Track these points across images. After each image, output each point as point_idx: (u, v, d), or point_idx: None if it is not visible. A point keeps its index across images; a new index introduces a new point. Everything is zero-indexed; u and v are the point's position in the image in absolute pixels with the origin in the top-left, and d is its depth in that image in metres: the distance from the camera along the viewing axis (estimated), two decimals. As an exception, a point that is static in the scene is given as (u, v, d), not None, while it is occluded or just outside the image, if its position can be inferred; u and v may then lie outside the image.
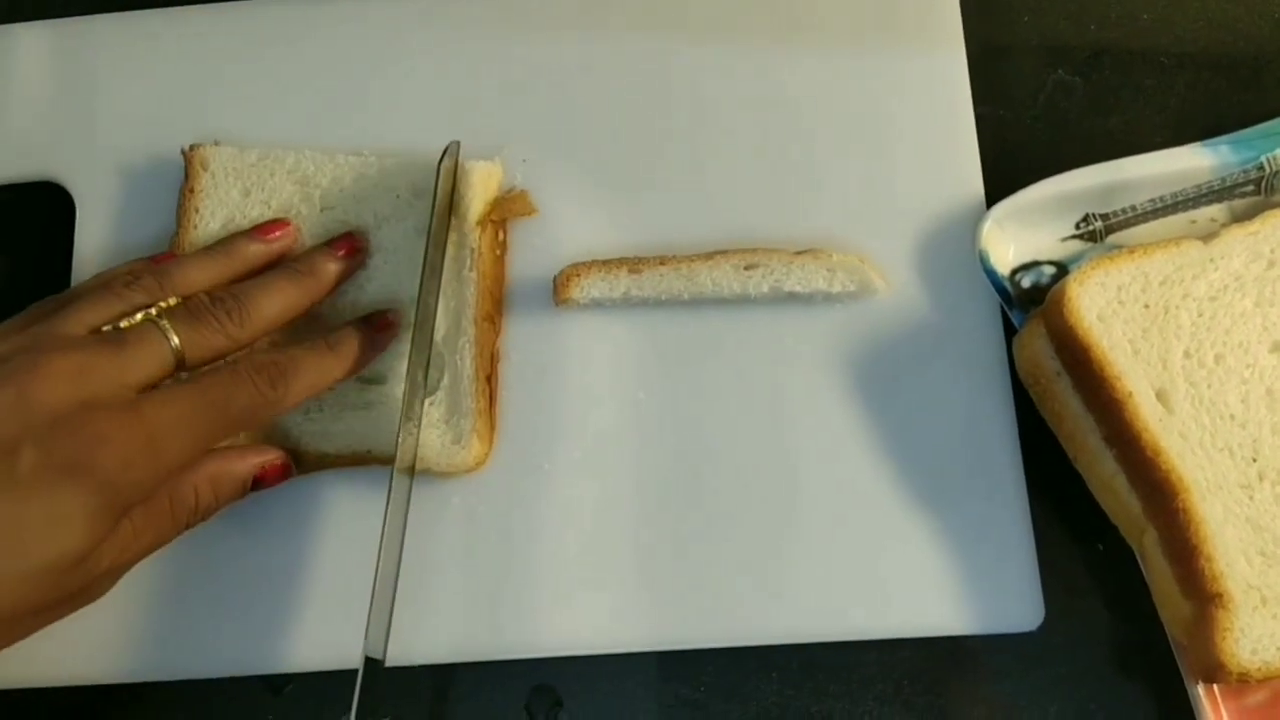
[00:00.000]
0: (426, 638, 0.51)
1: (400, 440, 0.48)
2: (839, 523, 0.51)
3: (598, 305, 0.54)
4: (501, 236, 0.55)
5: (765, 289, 0.52)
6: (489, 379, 0.53)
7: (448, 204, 0.53)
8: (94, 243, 0.56)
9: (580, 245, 0.55)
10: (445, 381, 0.52)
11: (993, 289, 0.52)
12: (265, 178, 0.54)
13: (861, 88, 0.56)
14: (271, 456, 0.50)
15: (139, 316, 0.47)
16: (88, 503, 0.42)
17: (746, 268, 0.53)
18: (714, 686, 0.52)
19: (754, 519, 0.51)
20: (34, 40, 0.59)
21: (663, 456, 0.52)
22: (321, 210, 0.54)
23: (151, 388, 0.46)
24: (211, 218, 0.54)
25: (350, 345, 0.50)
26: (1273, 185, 0.53)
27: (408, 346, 0.51)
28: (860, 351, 0.53)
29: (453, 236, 0.53)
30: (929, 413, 0.52)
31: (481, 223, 0.53)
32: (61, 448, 0.42)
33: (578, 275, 0.53)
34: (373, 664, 0.45)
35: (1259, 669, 0.44)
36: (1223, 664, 0.44)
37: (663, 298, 0.53)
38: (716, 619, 0.51)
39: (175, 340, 0.46)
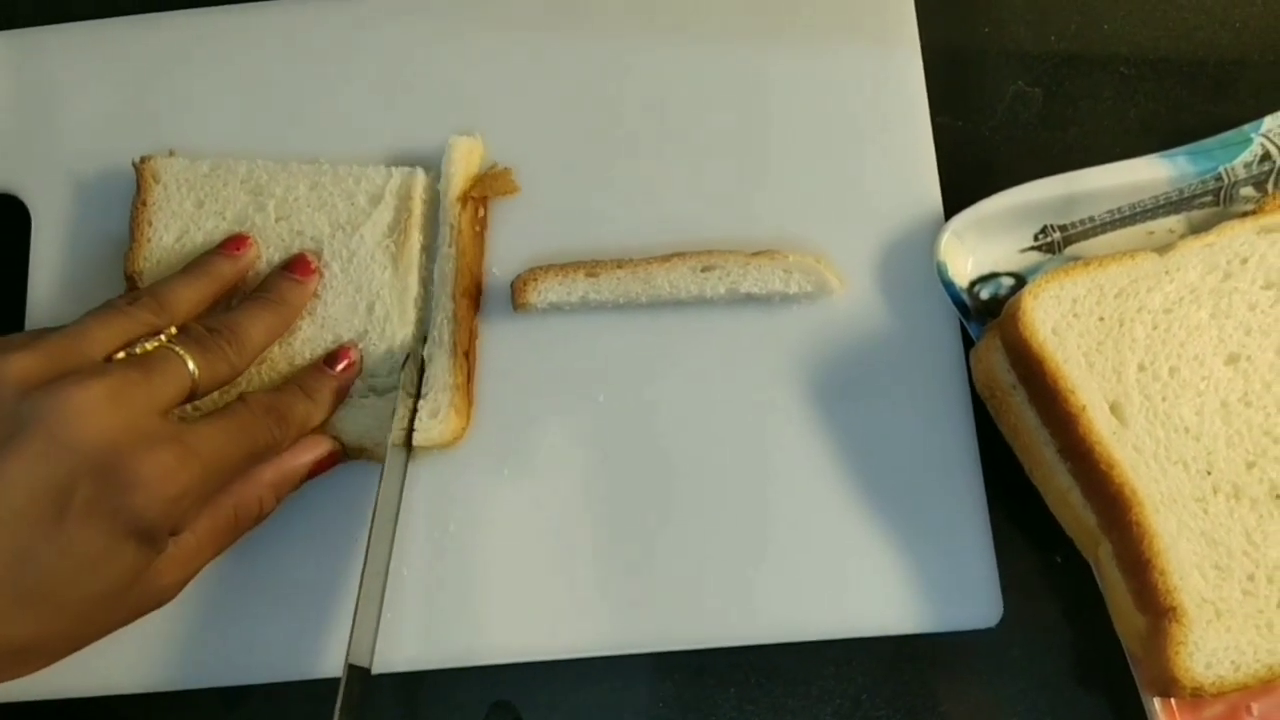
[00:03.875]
0: (383, 645, 0.50)
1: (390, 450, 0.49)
2: (798, 523, 0.51)
3: (556, 309, 0.53)
4: (482, 213, 0.55)
5: (722, 290, 0.52)
6: (467, 355, 0.53)
7: None
8: (50, 255, 0.56)
9: (537, 247, 0.55)
10: (425, 354, 0.52)
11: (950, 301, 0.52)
12: (218, 188, 0.54)
13: (819, 96, 0.56)
14: (324, 449, 0.51)
15: (151, 344, 0.47)
16: (137, 535, 0.42)
17: (703, 270, 0.53)
18: (673, 701, 0.51)
19: (713, 521, 0.51)
20: (-12, 50, 0.59)
21: (622, 459, 0.52)
22: (276, 220, 0.54)
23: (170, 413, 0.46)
24: (165, 230, 0.54)
25: (324, 390, 0.51)
26: (1231, 196, 0.53)
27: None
28: (819, 357, 0.53)
29: (433, 211, 0.54)
30: (888, 417, 0.52)
31: (463, 199, 0.53)
32: (115, 485, 0.42)
33: (535, 280, 0.53)
34: (357, 672, 0.45)
35: (1213, 684, 0.44)
36: (1176, 679, 0.44)
37: (621, 301, 0.53)
38: (675, 622, 0.50)
39: (192, 365, 0.46)
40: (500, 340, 0.54)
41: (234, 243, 0.53)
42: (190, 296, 0.50)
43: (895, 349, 0.53)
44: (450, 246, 0.53)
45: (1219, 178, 0.52)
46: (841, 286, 0.53)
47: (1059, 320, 0.47)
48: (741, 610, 0.51)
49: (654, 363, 0.53)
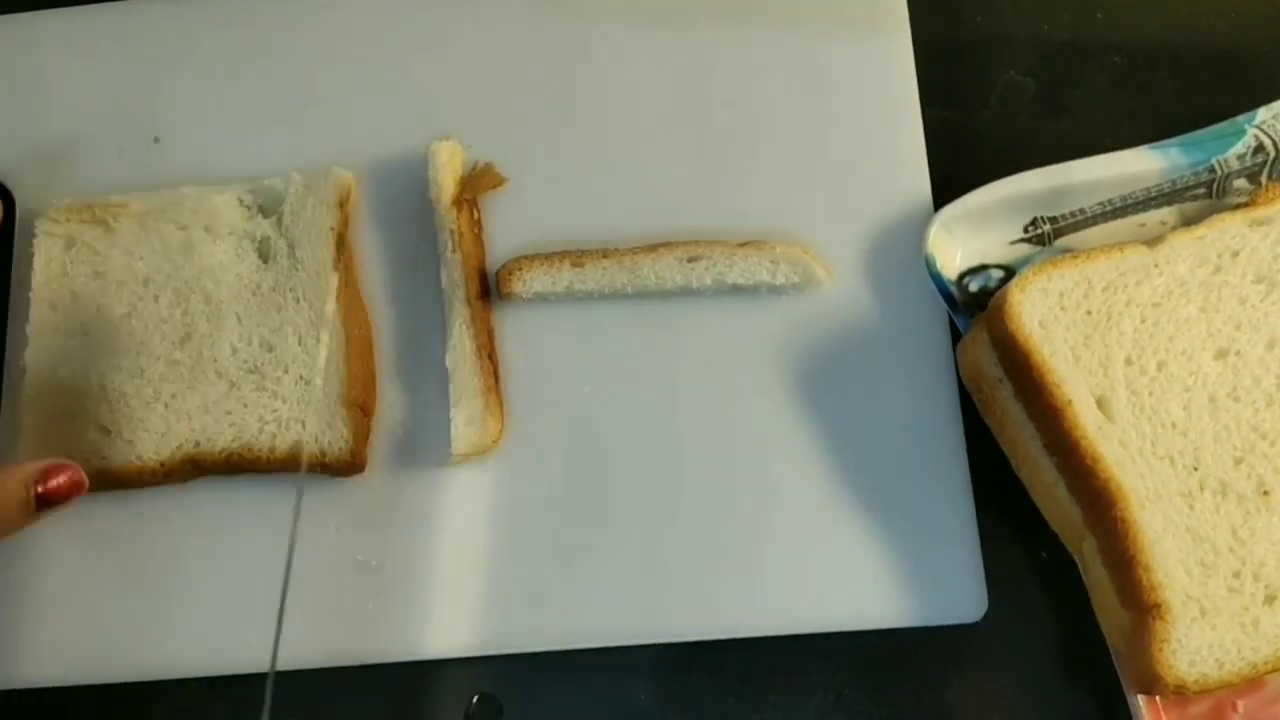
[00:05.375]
0: (366, 637, 0.51)
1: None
2: (783, 516, 0.51)
3: (541, 299, 0.53)
4: (476, 214, 0.54)
5: (709, 281, 0.52)
6: (491, 357, 0.52)
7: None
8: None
9: (527, 237, 0.54)
10: (449, 363, 0.52)
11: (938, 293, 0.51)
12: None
13: (807, 85, 0.55)
14: (52, 470, 0.45)
15: None
16: None
17: (689, 260, 0.52)
18: (656, 695, 0.51)
19: (696, 514, 0.51)
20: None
21: (605, 452, 0.52)
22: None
23: None
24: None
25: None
26: (1224, 188, 0.52)
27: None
28: (805, 349, 0.52)
29: (431, 220, 0.54)
30: (874, 410, 0.52)
31: (456, 203, 0.53)
32: None
33: (520, 269, 0.53)
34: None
35: (1196, 681, 0.44)
36: (1160, 676, 0.43)
37: (606, 291, 0.53)
38: (657, 615, 0.50)
39: None
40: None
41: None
42: None
43: (882, 341, 0.52)
44: (455, 252, 0.53)
45: (1212, 170, 0.52)
46: (828, 277, 0.52)
47: (1046, 313, 0.47)
48: (726, 604, 0.50)
49: (640, 354, 0.53)
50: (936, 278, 0.51)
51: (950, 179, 0.53)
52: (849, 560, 0.50)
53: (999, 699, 0.50)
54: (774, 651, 0.51)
